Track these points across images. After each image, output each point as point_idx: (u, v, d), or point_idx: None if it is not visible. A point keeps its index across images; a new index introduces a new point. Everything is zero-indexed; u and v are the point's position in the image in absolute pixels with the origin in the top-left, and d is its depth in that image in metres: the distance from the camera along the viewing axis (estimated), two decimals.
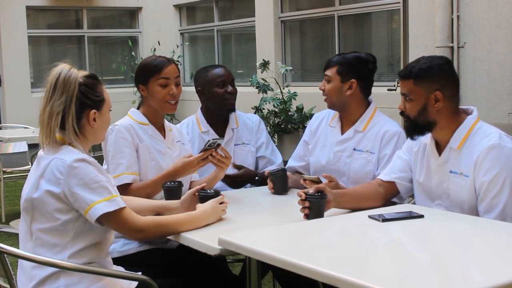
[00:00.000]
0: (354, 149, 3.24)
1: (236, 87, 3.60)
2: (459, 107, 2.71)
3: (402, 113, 2.71)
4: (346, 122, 3.30)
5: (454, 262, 1.97)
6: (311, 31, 9.94)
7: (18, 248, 2.28)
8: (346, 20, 9.08)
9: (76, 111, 2.33)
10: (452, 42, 7.29)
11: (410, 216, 2.41)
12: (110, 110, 2.48)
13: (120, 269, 2.47)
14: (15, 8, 11.05)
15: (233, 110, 3.58)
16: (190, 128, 3.59)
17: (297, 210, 2.56)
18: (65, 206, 2.28)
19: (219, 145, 2.99)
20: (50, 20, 12.19)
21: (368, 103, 3.29)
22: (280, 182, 3.14)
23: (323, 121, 3.41)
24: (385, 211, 2.51)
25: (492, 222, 2.44)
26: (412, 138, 2.76)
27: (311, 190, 2.54)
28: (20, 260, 2.37)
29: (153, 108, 3.13)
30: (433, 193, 2.73)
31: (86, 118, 2.37)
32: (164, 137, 3.16)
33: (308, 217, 2.52)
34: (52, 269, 2.27)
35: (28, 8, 11.26)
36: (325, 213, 2.57)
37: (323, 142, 3.35)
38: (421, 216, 2.41)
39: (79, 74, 2.36)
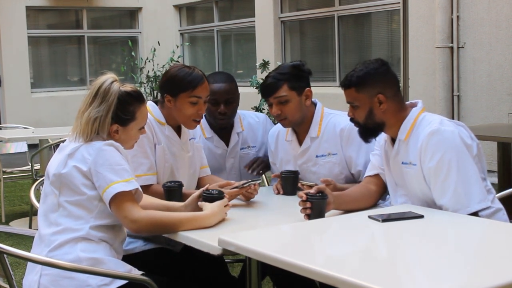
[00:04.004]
0: (316, 156, 3.20)
1: (234, 104, 3.40)
2: (406, 102, 2.79)
3: (352, 120, 2.78)
4: (301, 131, 3.24)
5: (454, 262, 1.97)
6: (311, 31, 9.94)
7: (18, 248, 2.29)
8: (346, 20, 9.08)
9: (110, 121, 2.51)
10: (452, 42, 7.30)
11: (410, 216, 2.42)
12: (141, 128, 2.60)
13: (126, 266, 2.48)
14: (15, 8, 11.05)
15: (224, 128, 3.47)
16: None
17: (298, 210, 2.56)
18: (90, 183, 2.43)
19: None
20: (50, 20, 12.19)
21: (314, 105, 3.23)
22: (290, 184, 3.12)
23: (279, 138, 3.35)
24: (385, 211, 2.52)
25: (492, 222, 2.45)
26: (366, 141, 2.82)
27: (312, 191, 2.55)
28: (38, 229, 2.49)
29: (173, 117, 3.03)
30: (397, 185, 2.80)
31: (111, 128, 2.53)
32: (180, 137, 3.09)
33: (309, 217, 2.52)
34: (72, 235, 2.40)
35: (28, 8, 11.26)
36: (326, 214, 2.58)
37: (286, 158, 3.29)
38: (421, 216, 2.41)
39: (121, 88, 2.53)
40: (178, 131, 3.09)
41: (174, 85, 2.98)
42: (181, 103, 2.97)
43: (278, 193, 3.14)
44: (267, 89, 3.14)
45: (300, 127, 3.23)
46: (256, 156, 3.54)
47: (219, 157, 3.49)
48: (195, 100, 2.96)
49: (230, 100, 3.38)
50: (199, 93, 2.96)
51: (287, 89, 3.11)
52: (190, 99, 2.95)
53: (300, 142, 3.24)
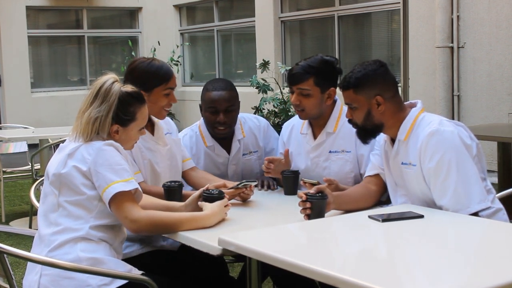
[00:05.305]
0: (330, 152, 3.18)
1: (234, 113, 3.31)
2: (405, 102, 2.78)
3: (350, 121, 2.78)
4: (317, 126, 3.23)
5: (454, 262, 1.97)
6: (311, 31, 9.94)
7: (18, 248, 2.29)
8: (346, 20, 9.08)
9: (111, 121, 2.51)
10: (452, 42, 7.30)
11: (410, 216, 2.42)
12: (141, 129, 2.62)
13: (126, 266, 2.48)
14: (15, 8, 11.05)
15: (224, 138, 3.39)
16: (193, 142, 3.42)
17: (298, 210, 2.56)
18: (90, 182, 2.43)
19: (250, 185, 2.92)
20: (50, 20, 12.19)
21: (334, 102, 3.21)
22: (291, 183, 3.12)
23: (294, 130, 3.34)
24: (385, 211, 2.52)
25: (492, 222, 2.45)
26: (365, 142, 2.82)
27: (311, 191, 2.55)
28: (38, 229, 2.49)
29: None
30: (397, 185, 2.79)
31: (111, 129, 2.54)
32: (152, 133, 3.09)
33: (309, 217, 2.52)
34: (72, 235, 2.40)
35: (28, 8, 11.26)
36: (326, 214, 2.58)
37: (298, 150, 3.28)
38: (421, 216, 2.41)
39: (122, 89, 2.54)
40: (149, 128, 3.08)
41: (148, 80, 2.99)
42: (156, 97, 3.01)
43: (268, 170, 3.13)
44: (292, 78, 3.14)
45: (317, 121, 3.22)
46: (260, 162, 3.47)
47: (221, 165, 3.44)
48: (169, 92, 3.04)
49: (230, 108, 3.29)
50: (173, 84, 3.06)
51: (312, 84, 3.10)
52: (165, 91, 3.02)
53: (315, 136, 3.23)
